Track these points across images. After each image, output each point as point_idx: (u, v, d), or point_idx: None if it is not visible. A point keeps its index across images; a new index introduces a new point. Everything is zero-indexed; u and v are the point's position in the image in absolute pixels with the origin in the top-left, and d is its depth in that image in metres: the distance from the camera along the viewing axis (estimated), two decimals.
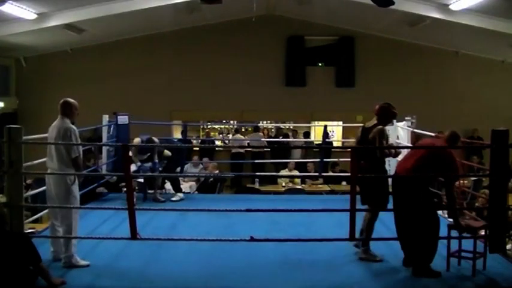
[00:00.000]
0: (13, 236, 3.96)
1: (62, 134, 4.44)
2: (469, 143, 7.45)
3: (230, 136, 14.08)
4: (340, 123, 12.88)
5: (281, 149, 12.34)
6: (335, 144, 13.17)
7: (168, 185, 8.17)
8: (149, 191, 7.34)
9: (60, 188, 4.46)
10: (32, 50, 12.53)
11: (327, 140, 9.09)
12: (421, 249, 4.35)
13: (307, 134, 13.39)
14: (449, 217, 4.55)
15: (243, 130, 14.07)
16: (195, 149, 12.90)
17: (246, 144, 12.94)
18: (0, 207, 4.06)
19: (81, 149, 4.64)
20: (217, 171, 9.95)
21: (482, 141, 10.64)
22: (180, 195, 7.45)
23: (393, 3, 7.07)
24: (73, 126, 4.51)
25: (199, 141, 13.59)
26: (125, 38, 13.03)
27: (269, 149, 12.94)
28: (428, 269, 4.32)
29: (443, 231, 4.50)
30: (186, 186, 9.71)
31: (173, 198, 7.35)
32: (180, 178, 9.87)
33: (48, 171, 4.56)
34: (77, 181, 4.58)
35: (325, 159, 9.10)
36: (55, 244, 4.57)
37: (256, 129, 12.92)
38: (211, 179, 9.55)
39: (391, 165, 8.65)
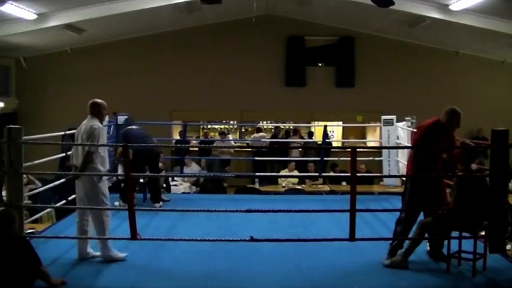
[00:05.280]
0: (13, 240, 3.94)
1: (88, 134, 4.56)
2: (476, 143, 7.43)
3: (230, 136, 14.09)
4: (340, 123, 12.90)
5: (281, 149, 12.31)
6: (335, 144, 13.17)
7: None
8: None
9: (86, 186, 4.54)
10: (32, 50, 12.52)
11: (326, 140, 9.11)
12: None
13: (311, 134, 13.37)
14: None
15: (242, 130, 14.07)
16: (194, 148, 12.95)
17: (246, 145, 12.94)
18: (10, 210, 4.04)
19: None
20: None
21: (484, 141, 10.62)
22: (157, 205, 6.96)
23: (393, 3, 7.08)
24: (97, 124, 4.61)
25: (198, 141, 13.62)
26: (125, 38, 13.02)
27: (270, 149, 12.91)
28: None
29: None
30: (185, 186, 9.73)
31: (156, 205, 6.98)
32: (180, 179, 9.89)
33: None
34: (104, 178, 4.66)
35: (325, 158, 9.10)
36: (80, 242, 4.62)
37: (259, 129, 12.94)
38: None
39: (390, 165, 8.67)
